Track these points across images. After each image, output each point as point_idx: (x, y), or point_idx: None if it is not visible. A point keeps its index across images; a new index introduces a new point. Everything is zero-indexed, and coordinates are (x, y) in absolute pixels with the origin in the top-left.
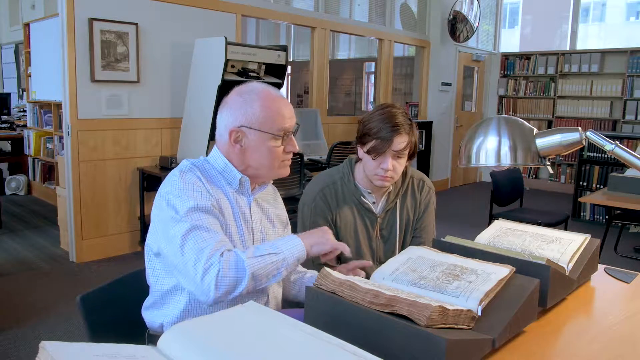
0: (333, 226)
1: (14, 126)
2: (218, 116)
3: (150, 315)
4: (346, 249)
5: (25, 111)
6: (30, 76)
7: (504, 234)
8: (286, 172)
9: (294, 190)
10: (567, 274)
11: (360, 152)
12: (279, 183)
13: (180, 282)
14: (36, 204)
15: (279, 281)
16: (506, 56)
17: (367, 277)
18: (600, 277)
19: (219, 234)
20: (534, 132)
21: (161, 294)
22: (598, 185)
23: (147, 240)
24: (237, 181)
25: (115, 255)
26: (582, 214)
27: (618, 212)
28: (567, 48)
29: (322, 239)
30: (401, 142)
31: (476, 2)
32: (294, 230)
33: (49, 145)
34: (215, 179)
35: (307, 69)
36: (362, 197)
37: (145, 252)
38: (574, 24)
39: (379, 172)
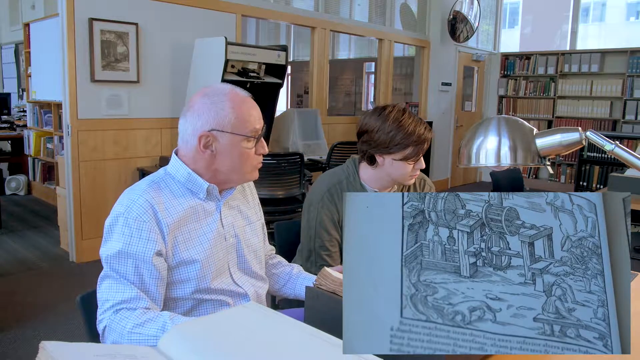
0: (339, 227)
1: (14, 126)
2: (181, 121)
3: None
4: None
5: (25, 111)
6: (30, 76)
7: None
8: (256, 175)
9: (294, 190)
10: None
11: (388, 159)
12: (278, 183)
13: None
14: (36, 204)
15: (263, 277)
16: (506, 56)
17: None
18: None
19: (133, 289)
20: (534, 132)
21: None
22: (598, 185)
23: None
24: (205, 191)
25: None
26: None
27: None
28: (567, 48)
29: None
30: (430, 139)
31: (476, 2)
32: (294, 230)
33: (49, 145)
34: (178, 192)
35: (307, 69)
36: None
37: None
38: (574, 24)
39: (414, 172)
